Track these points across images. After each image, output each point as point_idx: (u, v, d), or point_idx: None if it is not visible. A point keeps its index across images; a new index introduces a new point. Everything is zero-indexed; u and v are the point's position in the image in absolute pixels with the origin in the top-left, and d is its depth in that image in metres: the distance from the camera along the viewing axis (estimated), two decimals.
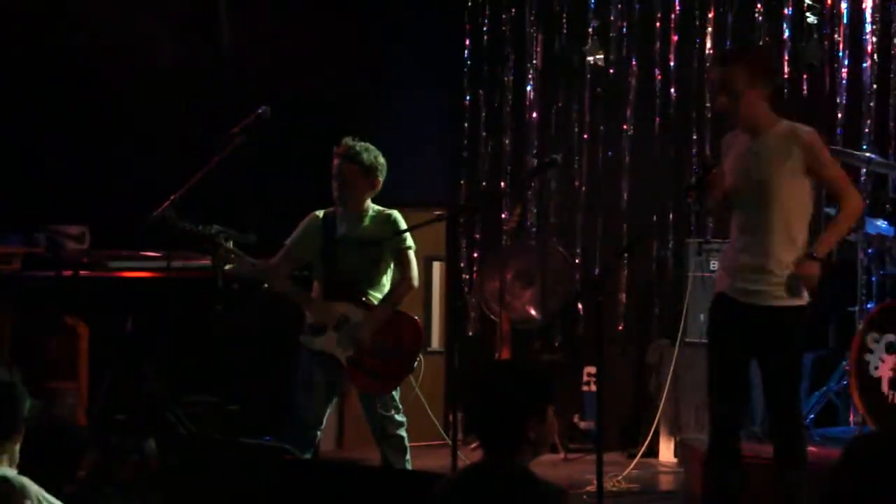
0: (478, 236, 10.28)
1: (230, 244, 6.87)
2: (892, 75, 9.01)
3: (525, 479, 3.96)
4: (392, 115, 9.95)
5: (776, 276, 5.92)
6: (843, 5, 9.10)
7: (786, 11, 9.29)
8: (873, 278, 7.99)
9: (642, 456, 8.79)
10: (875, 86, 9.02)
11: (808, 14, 9.15)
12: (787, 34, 9.28)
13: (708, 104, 9.49)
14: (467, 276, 10.25)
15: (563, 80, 10.08)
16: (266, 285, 7.21)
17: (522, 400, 4.01)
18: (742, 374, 6.12)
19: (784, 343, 5.98)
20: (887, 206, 7.85)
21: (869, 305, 7.88)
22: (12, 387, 4.57)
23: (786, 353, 6.00)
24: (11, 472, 4.46)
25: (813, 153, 5.99)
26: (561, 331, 9.99)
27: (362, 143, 7.02)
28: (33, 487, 4.42)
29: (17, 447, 4.55)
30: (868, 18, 9.03)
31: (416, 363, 7.03)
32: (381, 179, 7.04)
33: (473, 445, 8.54)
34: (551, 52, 10.10)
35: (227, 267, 6.91)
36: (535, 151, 10.11)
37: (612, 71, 9.90)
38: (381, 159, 7.03)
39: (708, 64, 6.23)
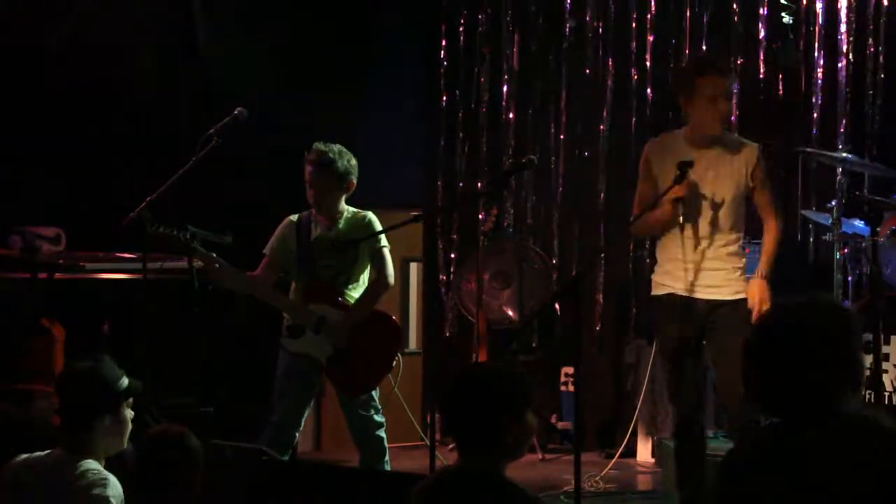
0: (455, 237, 10.27)
1: (201, 248, 6.86)
2: (867, 75, 9.03)
3: (500, 484, 3.95)
4: (368, 115, 9.93)
5: (730, 273, 6.30)
6: (819, 5, 9.12)
7: (761, 11, 9.31)
8: (849, 278, 8.01)
9: (620, 456, 8.81)
10: (850, 87, 9.04)
11: (783, 14, 9.17)
12: (762, 34, 9.30)
13: None
14: (444, 277, 10.25)
15: (539, 81, 10.08)
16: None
17: (499, 402, 3.98)
18: (699, 368, 6.31)
19: (741, 331, 6.14)
20: (864, 206, 7.86)
21: (844, 304, 7.90)
22: (89, 376, 4.59)
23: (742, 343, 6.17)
24: (95, 465, 4.47)
25: (759, 168, 6.37)
26: (538, 331, 10.00)
27: (334, 148, 6.98)
28: (117, 486, 4.44)
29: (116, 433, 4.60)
30: (843, 18, 9.05)
31: (394, 362, 7.03)
32: (354, 181, 7.03)
33: (451, 446, 8.54)
34: (527, 53, 10.11)
35: (212, 277, 6.90)
36: (511, 152, 10.10)
37: (587, 71, 9.90)
38: (354, 161, 7.02)
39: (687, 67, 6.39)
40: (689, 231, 6.28)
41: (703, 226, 6.28)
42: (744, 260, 6.42)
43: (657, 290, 6.42)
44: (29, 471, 4.53)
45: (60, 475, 4.46)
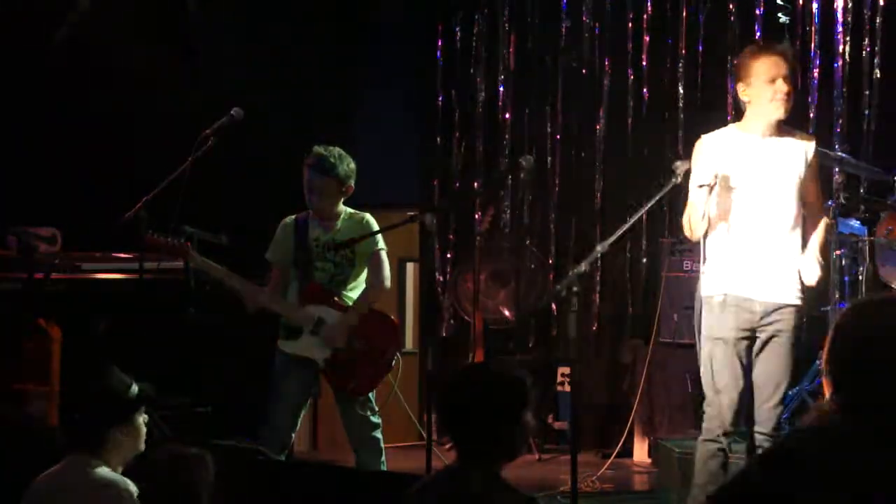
0: (451, 237, 10.27)
1: (195, 248, 6.87)
2: (863, 75, 9.03)
3: (498, 486, 3.95)
4: (365, 115, 9.94)
5: (787, 274, 6.08)
6: (815, 5, 9.13)
7: (757, 11, 9.31)
8: (846, 278, 8.02)
9: (616, 456, 8.81)
10: (846, 87, 9.05)
11: (779, 14, 9.18)
12: (758, 34, 9.29)
13: (681, 104, 9.52)
14: (441, 277, 10.25)
15: (535, 81, 10.09)
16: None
17: (498, 404, 3.98)
18: (745, 372, 6.18)
19: (792, 339, 6.09)
20: (861, 206, 7.88)
21: (842, 305, 7.90)
22: (99, 391, 4.60)
23: (793, 348, 6.15)
24: (109, 473, 4.48)
25: (814, 161, 6.21)
26: (535, 331, 10.00)
27: (334, 152, 6.94)
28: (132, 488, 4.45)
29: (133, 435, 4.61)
30: (839, 18, 9.05)
31: (393, 363, 7.02)
32: (353, 185, 7.02)
33: (448, 446, 8.53)
34: (524, 53, 10.11)
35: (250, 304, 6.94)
36: (507, 152, 10.11)
37: (584, 71, 9.91)
38: (352, 164, 6.99)
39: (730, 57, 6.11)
40: (743, 228, 6.06)
41: (759, 221, 6.06)
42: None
43: (709, 290, 6.16)
44: (51, 487, 4.53)
45: (79, 485, 4.48)
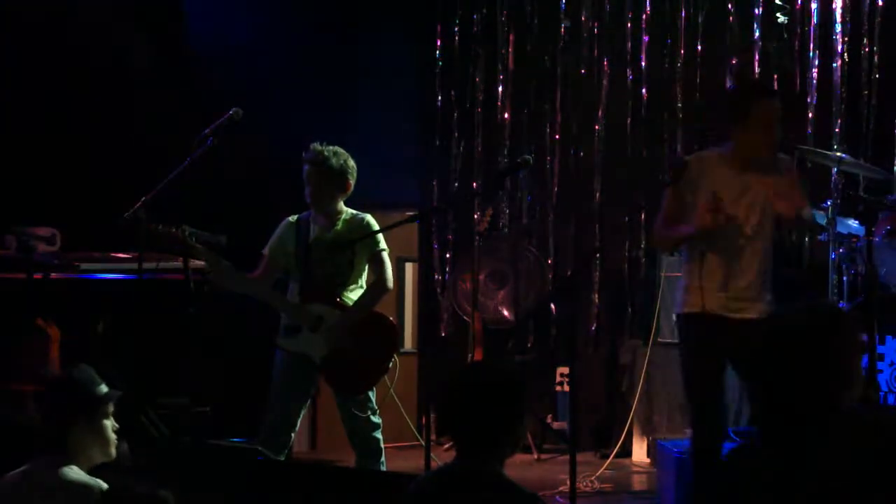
0: (450, 237, 10.27)
1: (201, 246, 6.86)
2: (862, 75, 9.03)
3: (500, 483, 3.95)
4: (364, 115, 9.93)
5: (761, 293, 6.20)
6: (814, 5, 9.13)
7: (756, 11, 9.31)
8: (844, 278, 8.02)
9: (615, 456, 8.82)
10: (845, 87, 9.05)
11: (778, 14, 9.18)
12: (757, 34, 9.30)
13: (679, 104, 9.52)
14: (440, 277, 10.25)
15: (534, 81, 10.08)
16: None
17: (502, 401, 3.99)
18: (723, 384, 6.26)
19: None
20: (858, 205, 7.87)
21: (841, 305, 7.90)
22: (63, 380, 4.62)
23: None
24: (79, 474, 4.48)
25: (793, 172, 6.35)
26: (534, 331, 10.00)
27: (331, 147, 7.00)
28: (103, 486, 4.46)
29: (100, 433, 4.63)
30: (838, 18, 9.05)
31: (390, 364, 7.02)
32: (352, 182, 7.03)
33: (446, 446, 8.54)
34: (523, 53, 10.11)
35: (213, 277, 6.91)
36: (506, 152, 10.11)
37: (583, 71, 9.91)
38: (351, 162, 7.02)
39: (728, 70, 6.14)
40: (720, 250, 6.17)
41: (736, 244, 6.17)
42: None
43: (687, 308, 6.28)
44: (16, 486, 4.52)
45: (47, 484, 4.46)
